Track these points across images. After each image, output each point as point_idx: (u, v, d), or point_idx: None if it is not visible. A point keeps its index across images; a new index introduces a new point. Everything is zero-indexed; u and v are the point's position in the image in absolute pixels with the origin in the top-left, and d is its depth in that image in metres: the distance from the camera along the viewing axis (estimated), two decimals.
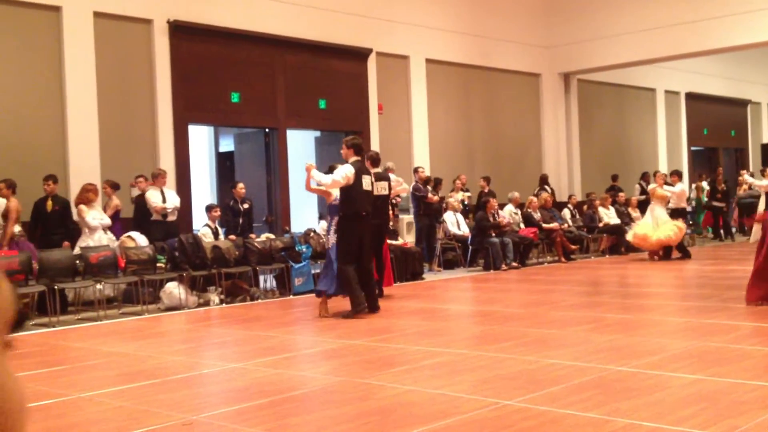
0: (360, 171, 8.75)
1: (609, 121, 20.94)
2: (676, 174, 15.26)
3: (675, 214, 14.63)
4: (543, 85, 19.03)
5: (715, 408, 4.32)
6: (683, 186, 15.05)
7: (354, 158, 8.83)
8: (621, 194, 17.70)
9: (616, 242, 16.25)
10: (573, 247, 15.57)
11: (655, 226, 14.24)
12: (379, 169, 9.91)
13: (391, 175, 10.36)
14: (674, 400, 4.53)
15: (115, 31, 11.93)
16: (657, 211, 14.37)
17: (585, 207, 17.06)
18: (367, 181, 8.85)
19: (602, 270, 13.43)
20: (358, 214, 8.68)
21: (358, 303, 8.59)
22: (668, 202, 14.58)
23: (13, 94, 10.98)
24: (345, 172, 8.64)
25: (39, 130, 11.16)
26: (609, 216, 16.59)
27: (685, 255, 14.41)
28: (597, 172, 19.77)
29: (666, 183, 14.81)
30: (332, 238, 8.85)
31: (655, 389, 4.80)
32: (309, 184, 8.93)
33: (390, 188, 10.04)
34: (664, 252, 14.40)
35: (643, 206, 18.31)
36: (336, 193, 8.85)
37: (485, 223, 13.93)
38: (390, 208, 10.80)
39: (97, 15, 11.67)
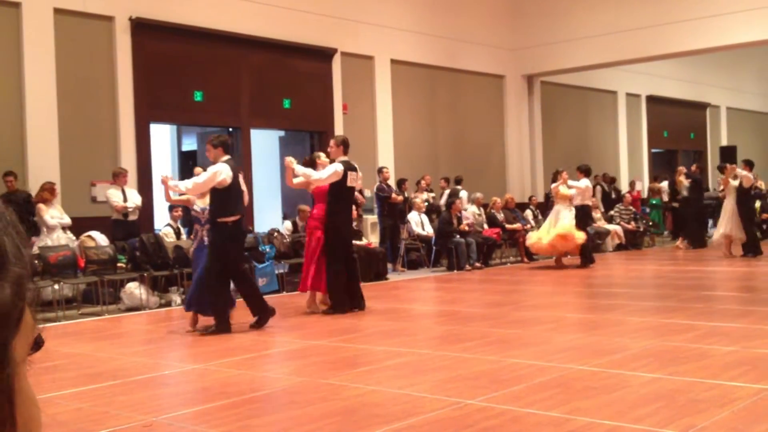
0: (235, 170, 7.87)
1: (571, 122, 21.17)
2: (581, 170, 13.96)
3: (580, 212, 13.52)
4: (507, 86, 19.16)
5: (673, 406, 4.39)
6: (588, 182, 13.80)
7: (225, 157, 7.88)
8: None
9: (584, 243, 16.37)
10: None
11: (551, 228, 13.37)
12: (347, 158, 9.08)
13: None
14: (633, 399, 4.60)
15: (76, 28, 11.75)
16: (561, 214, 13.41)
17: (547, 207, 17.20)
18: (241, 181, 8.05)
19: (564, 270, 13.55)
20: (237, 220, 7.82)
21: (223, 321, 7.71)
22: (572, 200, 13.56)
23: None
24: (212, 174, 7.68)
25: None
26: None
27: (586, 262, 13.39)
28: None
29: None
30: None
31: (615, 388, 4.86)
32: (168, 196, 8.33)
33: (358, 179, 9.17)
34: (582, 257, 13.52)
35: (607, 206, 18.57)
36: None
37: (448, 227, 13.97)
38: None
39: (58, 11, 11.48)
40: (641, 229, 17.67)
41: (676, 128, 24.69)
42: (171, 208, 11.57)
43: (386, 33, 16.15)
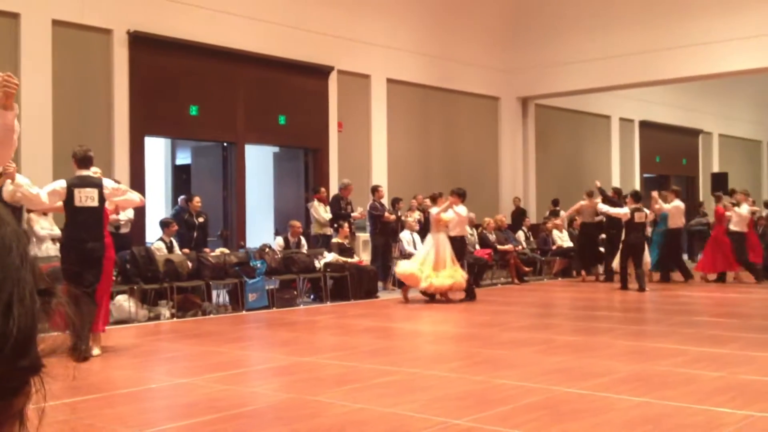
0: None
1: (565, 146, 21.27)
2: (457, 194, 12.08)
3: (456, 242, 12.06)
4: (501, 108, 19.27)
5: (660, 430, 4.40)
6: (464, 209, 12.20)
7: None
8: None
9: (569, 265, 16.49)
10: (526, 269, 15.73)
11: (428, 261, 11.76)
12: (88, 172, 7.60)
13: (108, 181, 7.97)
14: (620, 422, 4.61)
15: (74, 40, 11.79)
16: (440, 241, 11.84)
17: (540, 229, 17.26)
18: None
19: (554, 292, 13.59)
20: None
21: None
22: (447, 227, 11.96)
23: None
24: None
25: None
26: (562, 239, 16.81)
27: (469, 297, 12.14)
28: (552, 195, 20.02)
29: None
30: None
31: (602, 411, 4.87)
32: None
33: (102, 198, 7.50)
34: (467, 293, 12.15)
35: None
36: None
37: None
38: (105, 225, 7.81)
39: (56, 23, 11.52)
40: None
41: (669, 154, 24.84)
42: (164, 225, 11.54)
43: (383, 52, 16.24)
